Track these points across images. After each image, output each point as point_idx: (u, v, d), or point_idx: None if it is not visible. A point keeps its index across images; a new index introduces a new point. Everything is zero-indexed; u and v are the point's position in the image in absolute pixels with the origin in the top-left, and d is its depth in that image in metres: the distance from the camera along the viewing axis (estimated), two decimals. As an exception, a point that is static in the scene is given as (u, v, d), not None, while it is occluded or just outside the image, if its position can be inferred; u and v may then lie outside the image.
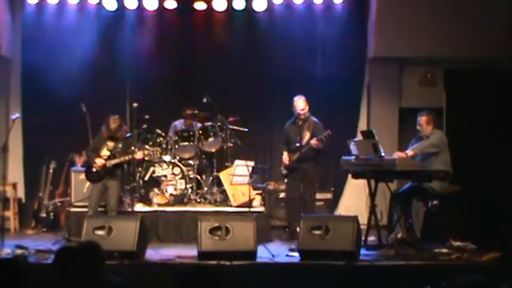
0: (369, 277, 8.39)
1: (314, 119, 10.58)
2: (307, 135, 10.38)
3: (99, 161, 10.13)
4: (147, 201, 11.24)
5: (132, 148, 10.26)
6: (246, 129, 11.84)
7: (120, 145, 10.27)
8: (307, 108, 10.50)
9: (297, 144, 10.36)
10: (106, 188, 10.20)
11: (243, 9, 12.47)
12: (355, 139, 10.55)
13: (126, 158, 10.16)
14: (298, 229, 9.18)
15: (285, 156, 10.60)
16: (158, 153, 10.95)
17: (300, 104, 10.50)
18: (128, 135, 10.49)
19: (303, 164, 10.44)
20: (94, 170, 10.19)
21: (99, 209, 10.38)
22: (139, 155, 10.25)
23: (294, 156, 10.46)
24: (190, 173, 11.44)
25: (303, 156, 10.37)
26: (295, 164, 10.48)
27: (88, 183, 10.62)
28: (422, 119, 9.94)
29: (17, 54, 12.61)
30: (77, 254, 5.02)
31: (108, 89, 12.26)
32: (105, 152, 10.22)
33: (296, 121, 10.58)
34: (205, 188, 11.57)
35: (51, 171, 11.76)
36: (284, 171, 10.68)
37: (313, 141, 10.24)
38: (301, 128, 10.46)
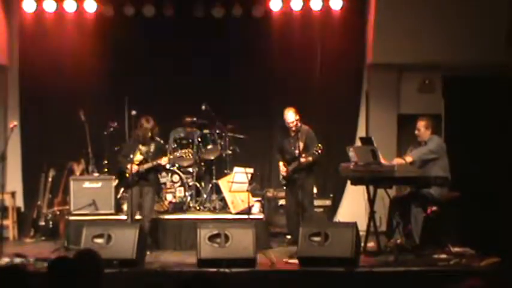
0: (369, 283, 8.40)
1: (306, 127, 10.55)
2: (300, 146, 10.29)
3: (134, 168, 10.04)
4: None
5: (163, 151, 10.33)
6: (244, 136, 11.84)
7: (152, 149, 10.25)
8: (297, 119, 10.43)
9: (296, 152, 10.29)
10: (141, 194, 10.15)
11: (242, 16, 12.49)
12: (354, 146, 10.57)
13: (154, 162, 10.12)
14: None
15: (282, 168, 10.62)
16: (190, 154, 10.80)
17: (289, 116, 10.45)
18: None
19: (298, 174, 10.42)
20: (128, 175, 10.11)
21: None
22: (164, 160, 10.18)
23: (291, 167, 10.48)
24: (189, 180, 11.45)
25: (299, 167, 10.32)
26: (291, 174, 10.50)
27: (81, 191, 10.75)
28: (420, 124, 9.95)
29: (14, 63, 12.62)
30: (73, 264, 5.01)
31: (106, 97, 12.30)
32: (138, 157, 10.17)
33: (289, 132, 10.59)
34: (205, 196, 11.58)
35: (50, 179, 11.74)
36: (283, 182, 10.71)
37: (303, 159, 10.24)
38: (294, 138, 10.44)
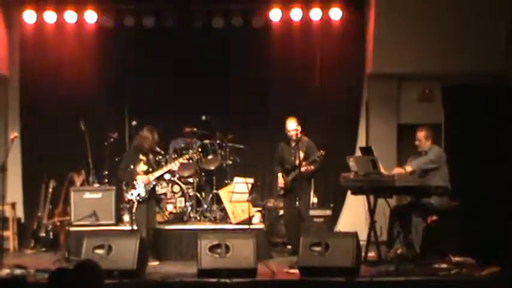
0: (369, 293, 8.39)
1: (306, 139, 10.57)
2: (300, 156, 10.30)
3: (144, 178, 10.03)
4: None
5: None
6: (244, 146, 11.84)
7: (151, 157, 10.28)
8: (299, 129, 10.46)
9: (296, 163, 10.28)
10: (147, 205, 10.11)
11: (242, 27, 12.51)
12: (354, 155, 10.58)
13: (165, 169, 10.26)
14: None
15: (280, 179, 10.62)
16: (195, 155, 10.96)
17: (291, 125, 10.47)
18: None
19: (297, 183, 10.38)
20: (139, 188, 10.05)
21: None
22: (175, 164, 10.37)
23: (289, 177, 10.48)
24: (189, 190, 11.46)
25: (298, 177, 10.31)
26: (290, 183, 10.50)
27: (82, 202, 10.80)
28: (421, 134, 9.97)
29: (15, 73, 12.64)
30: (73, 275, 5.00)
31: (106, 107, 12.33)
32: (141, 167, 10.17)
33: (290, 142, 10.60)
34: (205, 206, 11.58)
35: (50, 190, 11.74)
36: (281, 192, 10.70)
37: (304, 168, 10.25)
38: (294, 148, 10.44)
